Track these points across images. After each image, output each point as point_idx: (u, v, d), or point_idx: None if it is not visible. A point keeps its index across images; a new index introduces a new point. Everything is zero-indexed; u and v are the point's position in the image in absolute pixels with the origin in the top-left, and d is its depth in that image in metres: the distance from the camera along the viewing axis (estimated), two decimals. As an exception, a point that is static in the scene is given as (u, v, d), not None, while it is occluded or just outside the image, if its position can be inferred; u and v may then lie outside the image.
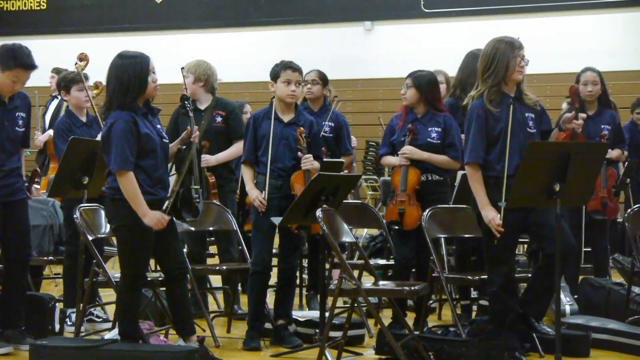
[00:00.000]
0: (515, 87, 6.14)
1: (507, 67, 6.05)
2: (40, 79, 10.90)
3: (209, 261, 8.15)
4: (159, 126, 5.94)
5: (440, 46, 16.39)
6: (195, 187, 5.94)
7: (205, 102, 7.79)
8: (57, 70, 10.84)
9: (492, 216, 5.93)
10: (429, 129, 6.98)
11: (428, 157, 6.93)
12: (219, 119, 7.71)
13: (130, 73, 5.76)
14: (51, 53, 14.86)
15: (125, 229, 5.78)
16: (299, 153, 6.63)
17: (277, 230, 6.67)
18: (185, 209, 5.90)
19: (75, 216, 6.37)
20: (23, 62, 6.31)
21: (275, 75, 6.74)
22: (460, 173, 7.19)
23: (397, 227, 6.92)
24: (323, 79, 8.14)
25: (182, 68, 7.73)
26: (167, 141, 5.97)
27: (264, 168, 6.67)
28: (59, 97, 10.53)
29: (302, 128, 6.66)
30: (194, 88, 7.77)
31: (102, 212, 6.64)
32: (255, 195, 6.60)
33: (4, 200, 6.41)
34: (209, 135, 7.60)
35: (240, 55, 17.48)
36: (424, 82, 6.99)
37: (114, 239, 8.91)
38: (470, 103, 6.17)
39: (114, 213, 5.81)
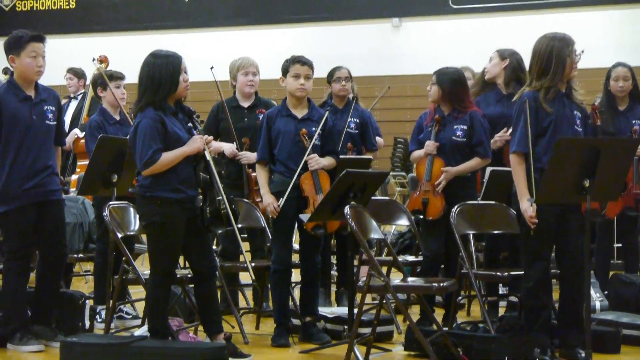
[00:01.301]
0: (566, 83, 6.06)
1: (564, 67, 5.97)
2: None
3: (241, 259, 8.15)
4: (190, 125, 5.96)
5: (468, 43, 16.33)
6: (219, 198, 5.92)
7: (247, 101, 7.81)
8: (73, 71, 10.90)
9: (526, 207, 5.89)
10: (454, 126, 6.96)
11: (462, 170, 6.92)
12: (261, 117, 7.70)
13: (162, 72, 5.79)
14: (80, 52, 14.94)
15: (155, 226, 5.80)
16: (305, 157, 6.59)
17: (296, 228, 6.68)
18: (214, 223, 5.90)
19: (104, 214, 6.41)
20: (32, 35, 6.39)
21: (285, 69, 6.74)
22: (489, 169, 7.16)
23: (420, 216, 6.91)
24: (351, 76, 8.15)
25: (212, 68, 7.73)
26: None
27: (280, 166, 6.64)
28: (77, 98, 10.61)
29: (304, 129, 6.63)
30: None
31: (132, 210, 6.68)
32: (270, 202, 6.58)
33: (38, 200, 6.44)
34: (251, 133, 7.61)
35: (268, 53, 17.49)
36: (447, 80, 6.96)
37: (144, 237, 8.97)
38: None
39: (145, 210, 5.84)
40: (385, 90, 10.12)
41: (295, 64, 6.70)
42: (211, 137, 6.04)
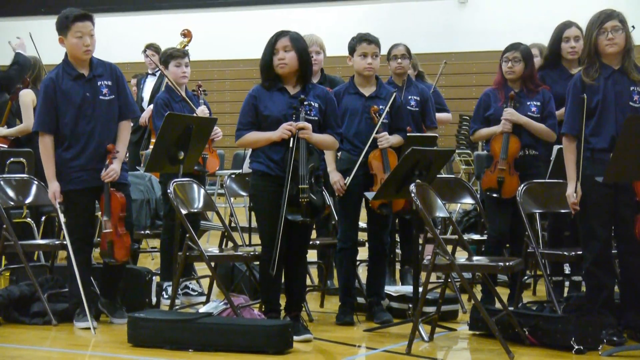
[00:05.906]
0: (620, 59, 5.95)
1: (594, 46, 5.90)
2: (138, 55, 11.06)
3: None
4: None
5: (535, 19, 16.14)
6: (303, 186, 5.87)
7: (313, 79, 7.75)
8: (154, 47, 10.92)
9: (570, 192, 5.90)
10: (528, 102, 6.89)
11: (527, 122, 6.84)
12: None
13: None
14: (150, 29, 15.02)
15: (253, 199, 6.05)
16: (374, 134, 6.57)
17: (364, 206, 6.65)
18: (290, 209, 5.86)
19: (169, 191, 6.44)
20: (75, 15, 6.37)
21: (352, 48, 6.71)
22: (556, 147, 7.08)
23: (495, 195, 6.84)
24: (409, 53, 8.07)
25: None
26: None
27: (347, 144, 6.61)
28: (156, 75, 10.64)
29: (375, 106, 6.60)
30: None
31: (196, 187, 6.71)
32: (337, 179, 6.56)
33: (93, 185, 6.42)
34: None
35: (334, 30, 17.49)
36: (529, 57, 6.91)
37: (209, 214, 9.02)
38: None
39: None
40: (443, 65, 10.02)
41: (362, 42, 6.66)
42: (303, 124, 5.94)
